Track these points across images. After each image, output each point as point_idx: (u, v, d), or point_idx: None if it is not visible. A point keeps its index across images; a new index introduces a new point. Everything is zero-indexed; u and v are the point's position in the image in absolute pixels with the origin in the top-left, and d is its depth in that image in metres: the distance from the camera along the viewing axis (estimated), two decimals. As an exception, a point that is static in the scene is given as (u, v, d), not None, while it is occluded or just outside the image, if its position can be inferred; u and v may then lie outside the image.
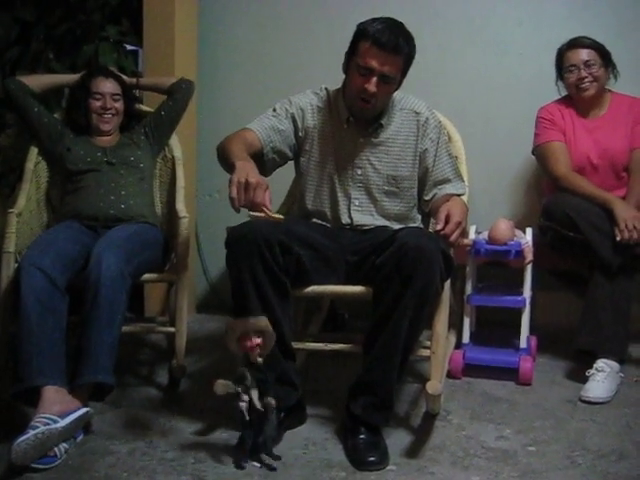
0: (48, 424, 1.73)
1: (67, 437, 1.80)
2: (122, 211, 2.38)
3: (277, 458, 1.76)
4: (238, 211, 1.73)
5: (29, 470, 1.70)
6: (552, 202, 2.50)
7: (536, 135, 2.66)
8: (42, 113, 2.47)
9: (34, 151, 2.51)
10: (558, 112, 2.63)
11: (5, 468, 1.71)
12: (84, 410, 1.85)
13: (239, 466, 1.74)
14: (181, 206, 2.48)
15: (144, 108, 2.73)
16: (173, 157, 2.63)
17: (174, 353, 2.31)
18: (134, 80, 2.66)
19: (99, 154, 2.44)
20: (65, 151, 2.44)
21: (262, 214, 1.73)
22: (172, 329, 2.36)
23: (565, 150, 2.57)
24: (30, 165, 2.48)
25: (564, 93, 2.68)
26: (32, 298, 1.91)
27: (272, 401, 1.74)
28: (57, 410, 1.79)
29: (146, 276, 2.25)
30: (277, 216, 1.78)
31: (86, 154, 2.43)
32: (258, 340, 1.73)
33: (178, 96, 2.58)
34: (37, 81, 2.51)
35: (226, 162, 1.88)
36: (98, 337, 1.92)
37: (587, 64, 2.54)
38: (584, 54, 2.55)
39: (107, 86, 2.47)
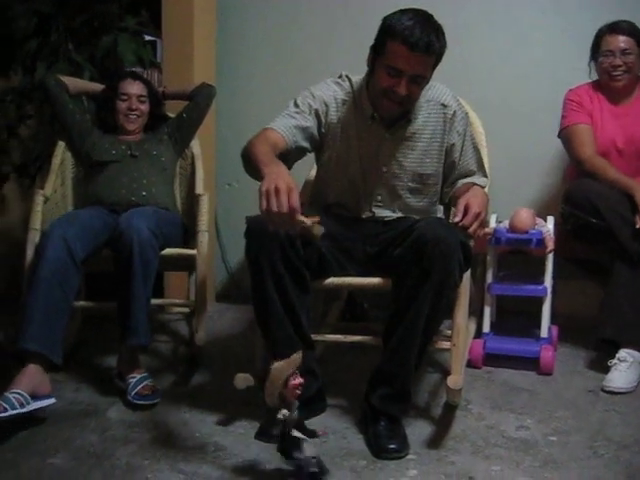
0: (22, 404, 1.88)
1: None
2: (143, 198, 2.47)
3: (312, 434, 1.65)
4: (272, 228, 1.63)
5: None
6: (574, 188, 2.46)
7: (563, 117, 2.62)
8: (76, 110, 2.61)
9: (61, 147, 2.66)
10: (587, 95, 2.60)
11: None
12: (50, 401, 1.99)
13: None
14: (200, 189, 2.64)
15: (169, 114, 2.80)
16: (193, 154, 2.74)
17: (194, 329, 2.40)
18: (160, 89, 2.77)
19: (123, 147, 2.57)
20: (91, 145, 2.56)
21: (303, 223, 1.60)
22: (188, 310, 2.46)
23: (591, 133, 2.54)
24: (57, 160, 2.63)
25: (594, 75, 2.63)
26: (47, 268, 2.05)
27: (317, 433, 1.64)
28: (31, 390, 1.94)
29: (167, 250, 2.31)
30: (317, 231, 1.66)
31: (111, 147, 2.56)
32: (300, 378, 1.59)
33: (200, 99, 2.68)
34: (73, 83, 2.65)
35: (253, 169, 1.76)
36: (135, 297, 2.11)
37: (624, 52, 2.49)
38: (622, 42, 2.50)
39: (134, 88, 2.60)
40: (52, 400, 2.00)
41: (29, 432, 1.90)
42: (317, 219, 1.67)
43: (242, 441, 1.84)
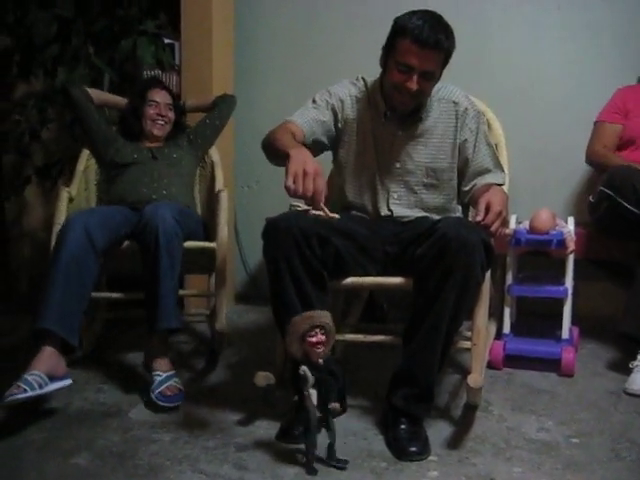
0: (40, 385, 1.91)
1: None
2: (164, 196, 2.52)
3: (343, 463, 1.70)
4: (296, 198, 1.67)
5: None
6: (619, 171, 2.40)
7: (601, 111, 2.73)
8: (100, 119, 2.67)
9: (85, 154, 2.74)
10: (632, 93, 2.67)
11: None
12: (67, 382, 2.03)
13: (310, 472, 1.67)
14: (220, 185, 2.69)
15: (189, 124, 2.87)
16: (212, 162, 2.79)
17: (215, 317, 2.45)
18: (181, 102, 2.84)
19: (145, 151, 2.64)
20: (115, 151, 2.63)
21: (321, 212, 1.65)
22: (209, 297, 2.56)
23: (613, 133, 2.65)
24: (80, 167, 2.71)
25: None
26: (67, 253, 2.10)
27: (337, 406, 1.68)
28: (49, 371, 1.97)
29: (188, 243, 2.34)
30: (334, 215, 1.68)
31: (133, 151, 2.63)
32: (322, 337, 1.66)
33: (222, 107, 2.77)
34: (97, 94, 2.72)
35: (277, 154, 1.83)
36: (162, 282, 2.14)
37: None
38: None
39: (162, 96, 2.69)
40: (69, 381, 2.04)
41: (52, 432, 1.91)
42: (337, 217, 1.70)
43: (263, 441, 1.84)
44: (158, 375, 2.12)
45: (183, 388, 2.15)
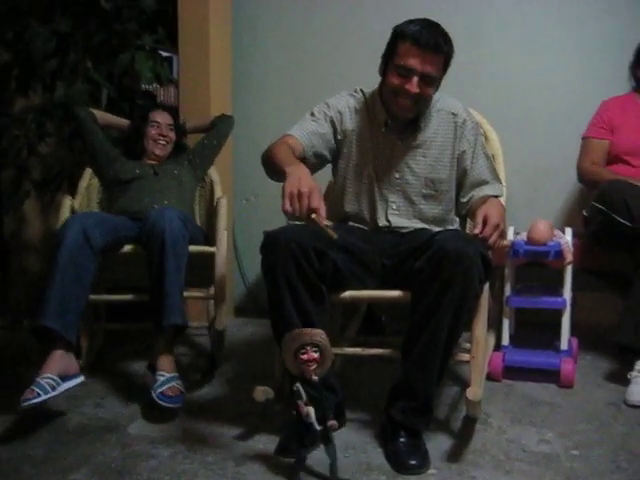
0: (53, 387, 1.99)
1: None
2: (165, 206, 2.52)
3: None
4: (292, 219, 1.72)
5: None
6: (610, 186, 2.41)
7: (587, 126, 2.72)
8: (104, 139, 2.74)
9: (88, 172, 2.80)
10: (618, 108, 2.66)
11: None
12: (79, 379, 2.12)
13: None
14: (219, 193, 2.77)
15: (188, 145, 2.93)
16: (212, 181, 2.87)
17: (214, 319, 2.49)
18: (182, 123, 2.91)
19: (146, 168, 2.69)
20: (117, 169, 2.68)
21: (317, 221, 1.67)
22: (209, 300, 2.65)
23: (600, 149, 2.65)
24: (83, 184, 2.78)
25: (632, 81, 2.70)
26: (64, 252, 2.14)
27: (335, 424, 1.68)
28: (60, 372, 2.05)
29: (189, 247, 2.34)
30: (332, 233, 1.69)
31: (135, 167, 2.69)
32: (315, 355, 1.68)
33: (220, 127, 2.83)
34: (101, 115, 2.80)
35: (275, 170, 1.86)
36: (170, 280, 2.18)
37: None
38: None
39: (164, 117, 2.77)
40: (81, 378, 2.13)
41: (51, 448, 1.91)
42: (334, 235, 1.71)
43: (262, 456, 1.83)
44: (161, 375, 2.13)
45: (185, 391, 2.16)
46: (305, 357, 1.67)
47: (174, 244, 2.21)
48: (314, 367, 1.68)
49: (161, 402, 2.06)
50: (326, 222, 1.68)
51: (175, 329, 2.22)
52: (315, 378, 1.68)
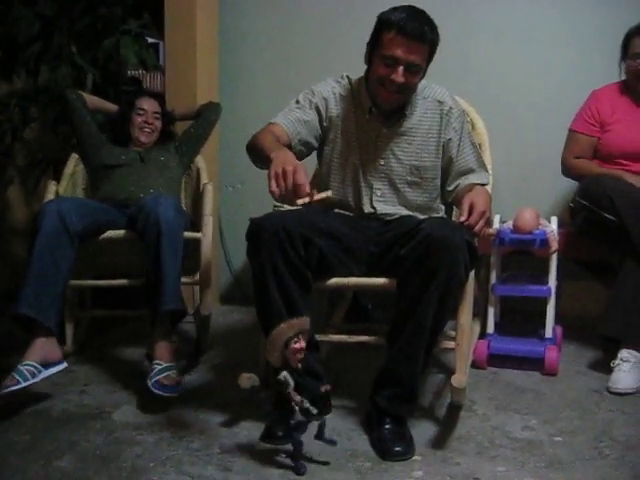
0: (34, 374, 2.01)
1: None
2: (151, 195, 2.50)
3: (333, 443, 1.75)
4: (282, 202, 1.72)
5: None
6: (592, 181, 2.44)
7: (575, 117, 2.66)
8: (91, 123, 2.74)
9: (73, 158, 2.78)
10: (608, 100, 2.60)
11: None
12: (61, 366, 2.13)
13: (300, 473, 1.68)
14: (205, 179, 2.77)
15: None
16: (198, 168, 2.85)
17: (199, 305, 2.50)
18: (170, 110, 2.91)
19: (133, 154, 2.69)
20: (104, 154, 2.67)
21: (306, 199, 1.67)
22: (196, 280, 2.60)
23: (587, 144, 2.60)
24: (68, 170, 2.75)
25: (624, 75, 2.62)
26: (41, 236, 2.14)
27: (328, 387, 1.75)
28: (42, 359, 2.06)
29: None
30: (323, 195, 1.73)
31: (121, 153, 2.68)
32: (303, 343, 1.68)
33: (206, 115, 2.83)
34: (90, 99, 2.79)
35: (260, 157, 1.86)
36: (167, 267, 2.17)
37: None
38: None
39: (150, 104, 2.77)
40: (64, 365, 2.14)
41: (34, 435, 1.90)
42: (327, 194, 1.75)
43: (247, 442, 1.84)
44: (158, 364, 2.11)
45: (182, 381, 2.16)
46: (298, 346, 1.67)
47: (171, 232, 2.20)
48: (302, 356, 1.68)
49: (156, 391, 2.04)
50: (316, 195, 1.70)
51: (173, 316, 2.22)
52: (300, 365, 1.69)
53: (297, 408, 1.66)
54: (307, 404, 1.66)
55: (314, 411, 1.67)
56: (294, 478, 1.66)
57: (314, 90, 2.12)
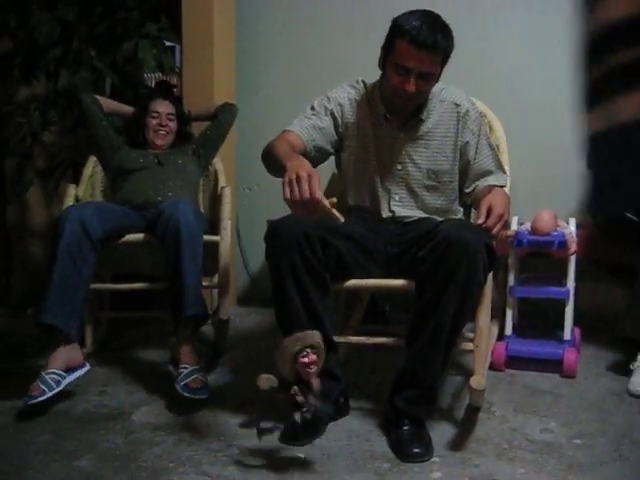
0: (58, 382, 2.05)
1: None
2: (170, 198, 2.52)
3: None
4: (295, 211, 1.66)
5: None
6: None
7: None
8: (107, 127, 2.74)
9: (92, 160, 2.80)
10: None
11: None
12: (84, 370, 2.18)
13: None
14: (223, 182, 2.80)
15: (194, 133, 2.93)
16: (216, 170, 2.86)
17: (218, 308, 2.54)
18: (186, 112, 2.89)
19: (151, 157, 2.69)
20: (121, 157, 2.69)
21: (325, 208, 1.64)
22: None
23: None
24: (87, 172, 2.78)
25: None
26: (63, 243, 2.16)
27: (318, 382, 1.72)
28: (64, 366, 2.11)
29: None
30: (338, 216, 1.67)
31: (139, 157, 2.69)
32: (314, 357, 1.65)
33: (223, 117, 2.82)
34: (107, 103, 2.80)
35: (275, 166, 1.83)
36: (188, 272, 2.20)
37: None
38: None
39: (164, 107, 2.75)
40: (87, 368, 2.19)
41: (55, 435, 1.92)
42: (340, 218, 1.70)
43: (266, 443, 1.83)
44: (185, 368, 2.13)
45: (208, 382, 2.17)
46: (307, 360, 1.65)
47: (190, 236, 2.22)
48: (314, 370, 1.66)
49: (186, 394, 2.06)
50: (330, 207, 1.67)
51: (196, 320, 2.24)
52: (315, 382, 1.66)
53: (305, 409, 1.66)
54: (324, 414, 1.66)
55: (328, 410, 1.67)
56: (312, 478, 1.67)
57: (329, 96, 2.10)
